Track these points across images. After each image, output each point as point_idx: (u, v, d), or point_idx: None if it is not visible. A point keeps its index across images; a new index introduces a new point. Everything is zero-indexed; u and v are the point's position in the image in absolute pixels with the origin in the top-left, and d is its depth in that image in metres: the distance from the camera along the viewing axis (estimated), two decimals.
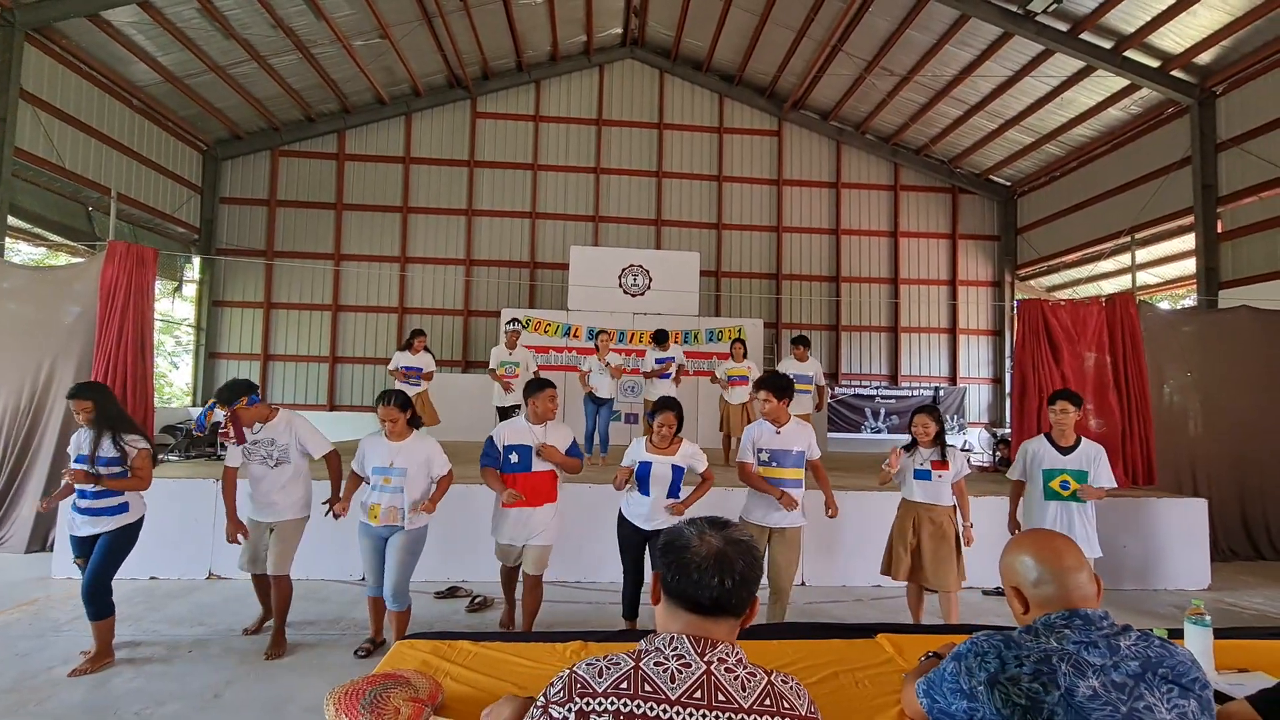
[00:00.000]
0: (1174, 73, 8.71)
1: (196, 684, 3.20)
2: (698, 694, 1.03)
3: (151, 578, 4.83)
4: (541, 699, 1.09)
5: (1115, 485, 3.81)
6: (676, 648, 1.08)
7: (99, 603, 3.30)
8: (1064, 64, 9.32)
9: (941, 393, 12.57)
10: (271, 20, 9.09)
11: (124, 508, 3.39)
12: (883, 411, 12.22)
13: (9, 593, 4.46)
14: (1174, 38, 8.29)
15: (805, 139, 13.03)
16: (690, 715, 1.01)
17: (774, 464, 3.60)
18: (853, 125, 12.84)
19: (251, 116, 11.38)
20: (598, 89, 12.71)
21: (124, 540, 3.40)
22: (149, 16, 8.45)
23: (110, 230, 6.67)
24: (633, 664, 1.07)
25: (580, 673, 1.07)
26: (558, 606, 4.46)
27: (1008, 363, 12.37)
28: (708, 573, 1.09)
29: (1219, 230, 8.69)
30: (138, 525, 3.47)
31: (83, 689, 3.12)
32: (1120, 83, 9.26)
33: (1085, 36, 8.68)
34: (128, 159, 9.79)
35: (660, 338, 6.97)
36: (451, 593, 4.73)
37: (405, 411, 3.51)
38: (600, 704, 1.02)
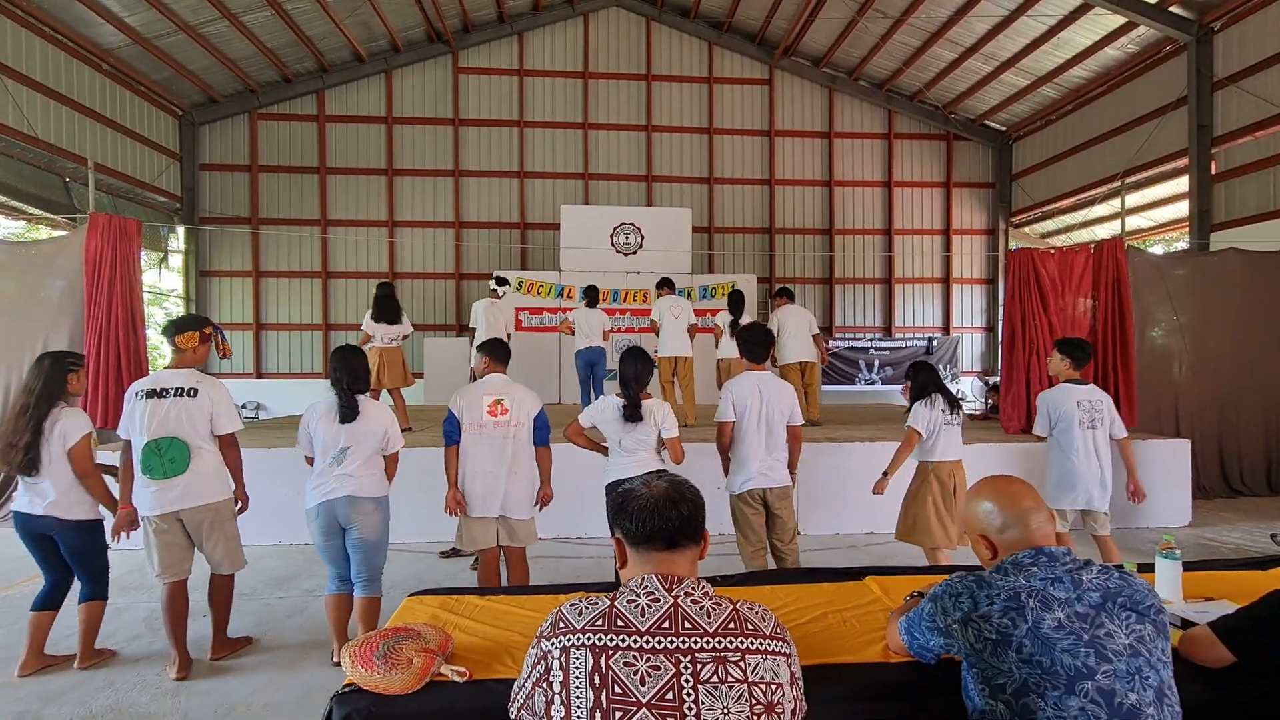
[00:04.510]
0: (1172, 9, 8.50)
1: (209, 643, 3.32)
2: (665, 624, 1.14)
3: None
4: (539, 632, 1.22)
5: None
6: (647, 585, 1.19)
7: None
8: (1061, 1, 9.06)
9: (935, 343, 12.66)
10: None
11: None
12: (877, 363, 12.32)
13: (17, 566, 4.55)
14: None
15: (797, 87, 12.73)
16: (659, 643, 1.12)
17: None
18: (845, 72, 12.53)
19: (227, 78, 11.02)
20: (583, 40, 12.32)
21: None
22: None
23: (90, 201, 6.55)
24: (608, 603, 1.18)
25: (564, 612, 1.20)
26: (562, 562, 4.61)
27: (1000, 310, 12.42)
28: (665, 507, 1.23)
29: (1213, 171, 8.64)
30: None
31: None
32: (1117, 20, 9.03)
33: None
34: (102, 126, 9.53)
35: (668, 284, 6.87)
36: (455, 553, 4.86)
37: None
38: (578, 639, 1.14)
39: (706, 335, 6.89)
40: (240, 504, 3.22)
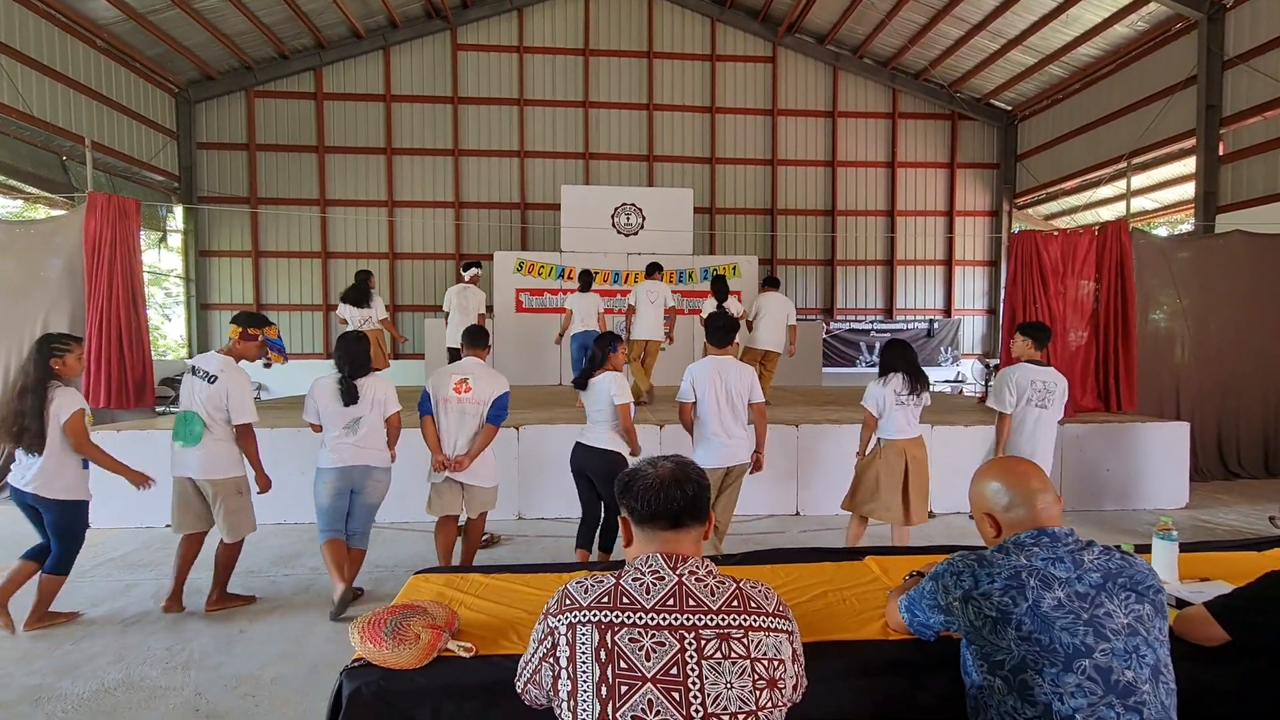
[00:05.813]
0: None
1: (220, 620, 3.38)
2: (670, 601, 1.16)
3: (167, 525, 4.98)
4: (545, 609, 1.25)
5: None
6: (652, 564, 1.22)
7: None
8: None
9: (936, 325, 12.65)
10: None
11: None
12: (878, 345, 12.33)
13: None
14: None
15: (801, 65, 12.56)
16: (664, 620, 1.14)
17: None
18: (850, 49, 12.35)
19: (223, 55, 10.88)
20: (583, 15, 12.13)
21: None
22: None
23: (88, 181, 6.51)
24: (614, 581, 1.21)
25: (570, 589, 1.22)
26: (562, 542, 4.65)
27: (1002, 293, 12.40)
28: (671, 487, 1.25)
29: (1221, 152, 8.55)
30: None
31: (112, 630, 3.28)
32: None
33: None
34: (98, 104, 9.43)
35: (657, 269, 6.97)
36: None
37: None
38: (584, 615, 1.17)
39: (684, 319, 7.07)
40: (260, 489, 3.49)
